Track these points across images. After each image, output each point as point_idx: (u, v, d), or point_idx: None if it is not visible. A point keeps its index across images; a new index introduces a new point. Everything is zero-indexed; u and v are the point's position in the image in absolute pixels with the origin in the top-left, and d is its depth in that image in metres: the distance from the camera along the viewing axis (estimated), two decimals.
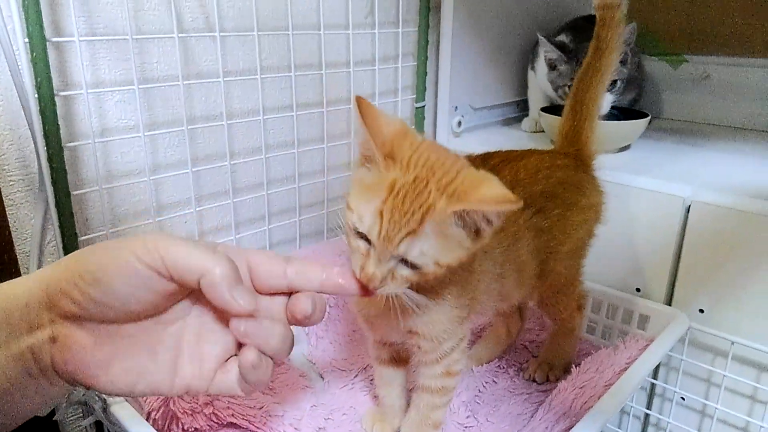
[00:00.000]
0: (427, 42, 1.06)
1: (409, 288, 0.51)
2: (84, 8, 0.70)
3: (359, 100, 0.48)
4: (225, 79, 0.82)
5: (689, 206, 0.85)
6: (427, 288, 0.56)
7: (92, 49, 0.72)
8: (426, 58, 1.07)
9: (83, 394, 0.62)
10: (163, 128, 0.80)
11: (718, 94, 1.28)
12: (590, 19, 1.19)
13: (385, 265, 0.48)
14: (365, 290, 0.47)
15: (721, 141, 1.16)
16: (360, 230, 0.48)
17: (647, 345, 0.80)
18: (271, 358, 0.41)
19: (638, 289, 0.92)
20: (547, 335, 0.88)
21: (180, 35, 0.76)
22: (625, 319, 0.88)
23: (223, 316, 0.42)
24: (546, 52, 1.09)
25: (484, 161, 0.67)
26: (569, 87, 1.07)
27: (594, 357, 0.80)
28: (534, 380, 0.83)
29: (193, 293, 0.42)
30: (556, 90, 1.12)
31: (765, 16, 1.19)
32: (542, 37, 1.08)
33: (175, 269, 0.37)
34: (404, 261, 0.48)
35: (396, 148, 0.48)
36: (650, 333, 0.84)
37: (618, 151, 1.07)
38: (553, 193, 0.69)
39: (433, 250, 0.48)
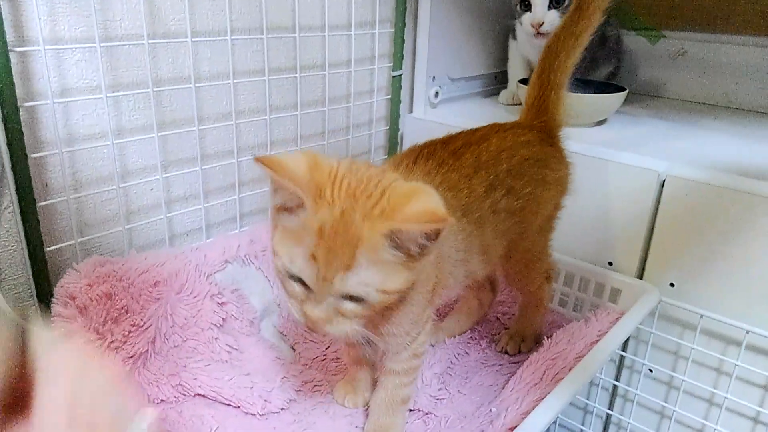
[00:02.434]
0: (405, 8, 1.03)
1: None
2: None
3: (261, 160, 0.47)
4: (193, 39, 0.78)
5: (664, 180, 0.85)
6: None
7: (50, 3, 0.68)
8: (404, 24, 1.04)
9: None
10: (127, 90, 0.76)
11: (694, 71, 1.28)
12: None
13: (327, 305, 0.48)
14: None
15: (697, 117, 1.16)
16: (293, 272, 0.48)
17: (618, 318, 0.81)
18: None
19: (610, 263, 0.92)
20: (517, 307, 0.88)
21: None
22: (597, 292, 0.89)
23: None
24: None
25: (445, 145, 0.66)
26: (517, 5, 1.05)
27: (566, 329, 0.81)
28: (506, 352, 0.84)
29: None
30: (513, 7, 1.10)
31: None
32: None
33: None
34: (348, 297, 0.48)
35: (318, 184, 0.47)
36: (621, 306, 0.85)
37: (594, 125, 1.06)
38: (519, 171, 0.68)
39: (373, 279, 0.47)
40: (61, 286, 0.68)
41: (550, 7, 1.03)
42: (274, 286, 0.85)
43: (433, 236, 0.46)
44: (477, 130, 0.70)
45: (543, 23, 1.03)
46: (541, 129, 0.73)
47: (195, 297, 0.75)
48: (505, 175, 0.66)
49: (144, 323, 0.69)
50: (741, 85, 1.23)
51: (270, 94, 0.90)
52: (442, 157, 0.64)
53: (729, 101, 1.25)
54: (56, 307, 0.66)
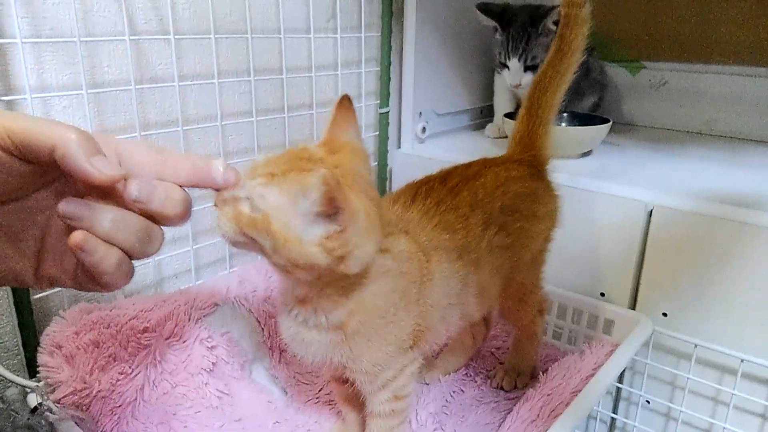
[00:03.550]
0: (390, 47, 1.05)
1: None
2: (28, 9, 0.67)
3: None
4: (180, 83, 0.79)
5: (651, 211, 0.85)
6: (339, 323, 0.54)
7: (37, 52, 0.68)
8: (389, 63, 1.05)
9: (28, 418, 0.59)
10: (115, 135, 0.76)
11: (675, 100, 1.31)
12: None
13: (237, 193, 0.46)
14: (226, 180, 0.45)
15: (680, 146, 1.18)
16: None
17: (613, 350, 0.80)
18: (128, 254, 0.39)
19: (603, 294, 0.92)
20: (511, 341, 0.87)
21: (132, 38, 0.73)
22: (591, 323, 0.88)
23: None
24: (481, 20, 1.13)
25: (443, 182, 0.65)
26: (500, 54, 1.11)
27: (561, 363, 0.80)
28: (502, 388, 0.83)
29: (59, 181, 0.40)
30: (495, 57, 1.16)
31: (720, 24, 1.22)
32: (476, 8, 1.12)
33: (23, 144, 0.35)
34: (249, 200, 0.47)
35: None
36: (615, 337, 0.84)
37: (580, 157, 1.07)
38: (512, 207, 0.68)
39: (274, 202, 0.46)
40: (47, 335, 0.67)
41: (526, 70, 1.10)
42: (265, 327, 0.84)
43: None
44: (471, 164, 0.70)
45: (520, 84, 1.11)
46: (530, 163, 0.73)
47: (184, 342, 0.73)
48: (499, 213, 0.66)
49: (132, 371, 0.68)
50: (721, 113, 1.25)
51: (258, 135, 0.91)
52: (440, 195, 0.63)
53: (710, 129, 1.28)
54: (42, 357, 0.65)
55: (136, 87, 0.74)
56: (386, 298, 0.56)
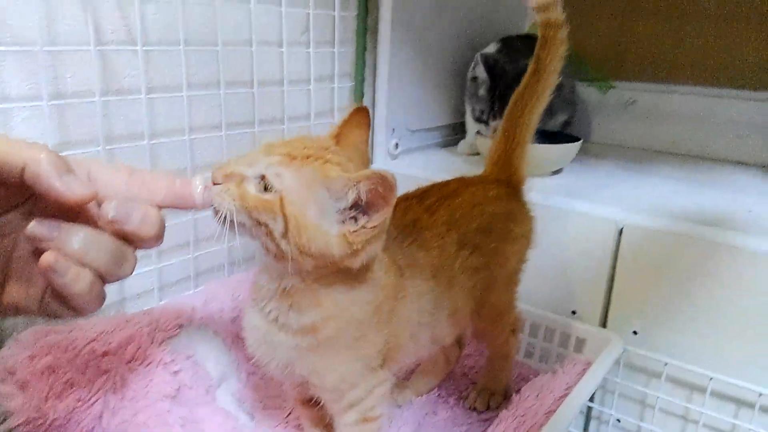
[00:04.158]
0: (364, 63, 1.04)
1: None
2: None
3: None
4: (148, 95, 0.76)
5: (621, 229, 0.86)
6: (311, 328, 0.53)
7: None
8: (363, 78, 1.05)
9: None
10: (78, 148, 0.73)
11: (644, 119, 1.33)
12: (524, 39, 1.22)
13: (244, 170, 0.46)
14: (207, 201, 0.45)
15: (648, 165, 1.20)
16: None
17: (585, 369, 0.80)
18: (101, 277, 0.38)
19: (574, 312, 0.92)
20: (485, 361, 0.86)
21: (98, 47, 0.70)
22: (563, 342, 0.88)
23: None
24: (476, 69, 1.11)
25: (420, 200, 0.65)
26: (483, 113, 1.10)
27: (533, 383, 0.79)
28: (475, 409, 0.81)
29: (27, 203, 0.38)
30: (467, 101, 1.14)
31: (687, 45, 1.25)
32: (478, 56, 1.08)
33: None
34: (262, 179, 0.47)
35: None
36: (587, 356, 0.84)
37: (551, 175, 1.08)
38: (487, 227, 0.67)
39: (291, 185, 0.46)
40: (0, 359, 0.63)
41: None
42: (232, 349, 0.81)
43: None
44: (449, 183, 0.70)
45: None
46: (507, 183, 0.73)
47: (147, 366, 0.70)
48: (474, 233, 0.66)
49: (90, 398, 0.64)
50: (689, 132, 1.28)
51: (227, 149, 0.88)
52: (418, 213, 0.63)
53: (678, 148, 1.30)
54: None
55: (102, 99, 0.71)
56: (363, 309, 0.54)
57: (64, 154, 0.68)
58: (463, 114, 1.27)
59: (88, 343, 0.67)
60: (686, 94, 1.27)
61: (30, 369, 0.62)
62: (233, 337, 0.81)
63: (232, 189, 0.46)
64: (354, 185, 0.46)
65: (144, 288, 0.84)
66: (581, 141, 1.07)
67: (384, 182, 0.45)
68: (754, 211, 0.88)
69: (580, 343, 0.86)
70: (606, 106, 1.38)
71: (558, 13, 0.69)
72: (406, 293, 0.58)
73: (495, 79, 1.07)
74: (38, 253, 0.37)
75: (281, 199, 0.45)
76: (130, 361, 0.69)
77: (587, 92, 1.38)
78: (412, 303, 0.59)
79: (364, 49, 1.03)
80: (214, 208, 0.46)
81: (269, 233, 0.46)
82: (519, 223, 0.72)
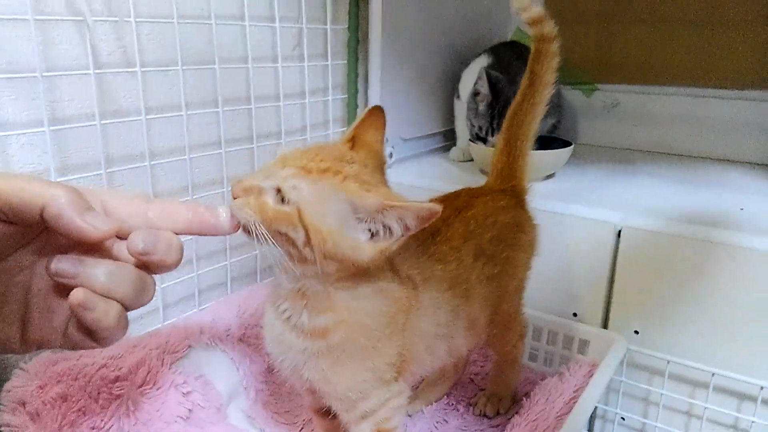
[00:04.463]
0: (357, 74, 1.05)
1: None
2: None
3: None
4: (147, 116, 0.76)
5: (620, 231, 0.88)
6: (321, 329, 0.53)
7: None
8: (356, 90, 1.05)
9: None
10: (78, 173, 0.72)
11: (628, 120, 1.36)
12: (511, 46, 1.24)
13: (260, 181, 0.47)
14: (234, 226, 0.46)
15: (637, 165, 1.22)
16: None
17: (590, 370, 0.81)
18: (124, 306, 0.38)
19: (575, 314, 0.94)
20: (491, 366, 0.87)
21: (97, 71, 0.70)
22: (566, 344, 0.89)
23: None
24: (479, 83, 1.09)
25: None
26: (481, 129, 1.10)
27: (541, 387, 0.80)
28: (485, 415, 0.82)
29: (39, 238, 0.38)
30: (467, 118, 1.13)
31: (668, 48, 1.28)
32: (483, 70, 1.08)
33: (10, 206, 0.33)
34: (278, 191, 0.47)
35: None
36: (591, 357, 0.86)
37: (543, 180, 1.10)
38: (499, 237, 0.69)
39: (309, 197, 0.47)
40: (9, 391, 0.62)
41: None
42: (240, 367, 0.81)
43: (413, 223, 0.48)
44: (458, 194, 0.71)
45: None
46: (512, 193, 0.74)
47: (159, 389, 0.70)
48: (488, 243, 0.67)
49: (104, 425, 0.63)
50: (672, 132, 1.31)
51: (227, 166, 0.88)
52: (437, 225, 0.63)
53: (662, 147, 1.33)
54: (4, 416, 0.60)
55: (101, 122, 0.71)
56: (375, 319, 0.55)
57: (65, 179, 0.68)
58: (452, 121, 1.28)
59: (99, 369, 0.66)
60: (669, 95, 1.30)
61: (41, 399, 0.61)
62: (241, 354, 0.81)
63: (252, 202, 0.47)
64: (397, 214, 0.47)
65: (147, 308, 0.84)
66: (572, 146, 1.08)
67: (434, 214, 0.47)
68: (746, 209, 0.91)
69: (584, 345, 0.88)
70: (591, 108, 1.40)
71: (550, 27, 0.70)
72: (421, 306, 0.59)
73: (497, 96, 1.07)
74: (59, 287, 0.38)
75: (299, 211, 0.46)
76: (141, 385, 0.69)
77: (572, 95, 1.41)
78: (428, 316, 0.60)
79: (357, 60, 1.04)
80: (243, 225, 0.46)
81: (292, 242, 0.47)
82: (526, 232, 0.74)
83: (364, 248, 0.49)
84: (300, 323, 0.54)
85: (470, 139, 1.14)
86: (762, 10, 1.17)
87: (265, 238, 0.47)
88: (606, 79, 1.37)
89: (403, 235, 0.49)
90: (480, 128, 1.09)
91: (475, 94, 1.10)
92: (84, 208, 0.35)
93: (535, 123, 0.74)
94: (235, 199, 0.47)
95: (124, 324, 0.39)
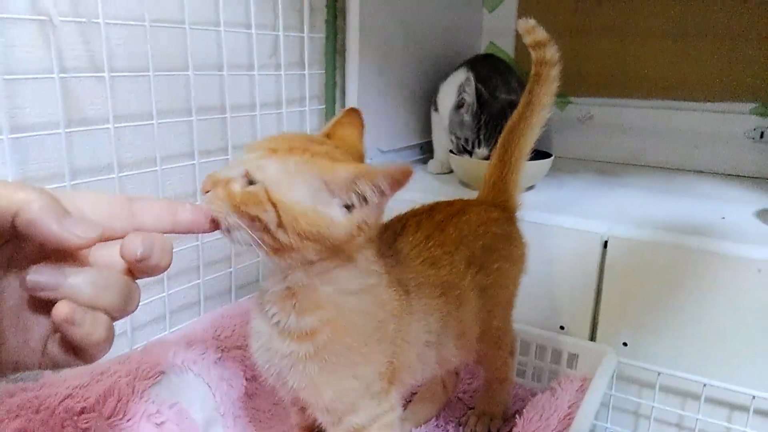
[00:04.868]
0: (335, 84, 1.02)
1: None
2: None
3: None
4: (116, 125, 0.71)
5: (606, 241, 0.87)
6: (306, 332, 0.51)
7: None
8: (334, 101, 1.02)
9: None
10: (40, 185, 0.66)
11: (602, 133, 1.37)
12: (488, 59, 1.23)
13: (230, 173, 0.46)
14: (215, 224, 0.44)
15: (614, 177, 1.22)
16: None
17: (582, 385, 0.79)
18: (111, 316, 0.35)
19: (562, 327, 0.92)
20: (480, 384, 0.84)
21: (62, 75, 0.65)
22: (555, 359, 0.87)
23: None
24: (465, 92, 1.07)
25: (430, 216, 0.65)
26: (467, 142, 1.08)
27: (534, 404, 0.77)
28: None
29: (6, 248, 0.34)
30: (450, 132, 1.11)
31: (638, 62, 1.30)
32: (471, 76, 1.06)
33: None
34: (247, 177, 0.46)
35: None
36: (581, 371, 0.84)
37: (524, 191, 1.08)
38: (491, 247, 0.68)
39: (276, 176, 0.46)
40: None
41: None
42: (217, 392, 0.75)
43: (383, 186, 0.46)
44: (452, 202, 0.70)
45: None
46: (503, 208, 0.74)
47: (129, 420, 0.64)
48: (480, 252, 0.66)
49: None
50: (645, 143, 1.32)
51: (200, 179, 0.83)
52: (430, 229, 0.62)
53: (636, 159, 1.34)
54: None
55: (66, 131, 0.65)
56: (364, 319, 0.52)
57: None
58: (430, 133, 1.27)
59: (63, 400, 0.60)
60: (641, 108, 1.32)
61: None
62: (218, 379, 0.76)
63: (220, 192, 0.45)
64: (371, 181, 0.45)
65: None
66: (553, 157, 1.07)
67: (407, 174, 0.44)
68: (727, 218, 0.91)
69: (572, 359, 0.86)
70: (565, 121, 1.41)
71: (552, 52, 0.72)
72: (413, 311, 0.57)
73: (482, 107, 1.05)
74: (35, 302, 0.34)
75: (266, 190, 0.45)
76: (110, 417, 0.63)
77: None
78: (419, 321, 0.58)
79: (335, 70, 1.01)
80: (214, 218, 0.44)
81: (265, 227, 0.45)
82: (516, 246, 0.73)
83: (341, 223, 0.47)
84: (289, 325, 0.51)
85: (451, 151, 1.12)
86: (728, 23, 1.20)
87: (238, 226, 0.45)
88: (579, 92, 1.38)
89: (379, 203, 0.47)
90: (466, 140, 1.07)
91: (459, 105, 1.08)
92: (61, 213, 0.31)
93: (530, 142, 0.75)
94: (205, 194, 0.46)
95: (111, 337, 0.35)
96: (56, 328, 0.33)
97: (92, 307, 0.33)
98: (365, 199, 0.46)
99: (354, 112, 0.57)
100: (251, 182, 0.46)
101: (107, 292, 0.34)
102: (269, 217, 0.45)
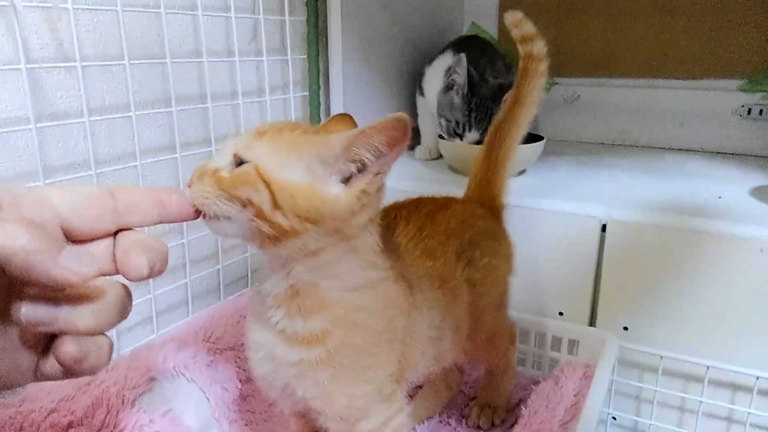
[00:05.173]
0: (318, 70, 0.98)
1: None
2: None
3: None
4: (90, 118, 0.66)
5: (605, 225, 0.85)
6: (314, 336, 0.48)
7: None
8: (319, 87, 0.98)
9: None
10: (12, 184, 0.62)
11: (588, 114, 1.35)
12: (473, 41, 1.20)
13: (218, 160, 0.44)
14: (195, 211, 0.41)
15: (603, 158, 1.20)
16: None
17: (585, 372, 0.78)
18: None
19: (561, 313, 0.90)
20: (482, 374, 0.82)
21: (28, 66, 0.60)
22: (555, 345, 0.85)
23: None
24: (456, 72, 1.03)
25: (417, 208, 0.63)
26: (458, 125, 1.04)
27: (538, 394, 0.76)
28: (479, 427, 0.77)
29: None
30: (439, 115, 1.08)
31: (623, 40, 1.28)
32: (464, 57, 1.02)
33: None
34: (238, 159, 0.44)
35: None
36: (582, 357, 0.82)
37: (516, 176, 1.06)
38: (478, 242, 0.66)
39: (268, 156, 0.43)
40: None
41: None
42: (211, 397, 0.72)
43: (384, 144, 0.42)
44: (434, 198, 0.67)
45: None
46: (489, 206, 0.72)
47: None
48: (468, 245, 0.64)
49: None
50: (632, 123, 1.31)
51: (183, 173, 0.79)
52: (419, 220, 0.60)
53: (623, 139, 1.33)
54: None
55: (37, 126, 0.60)
56: (373, 318, 0.49)
57: None
58: (415, 119, 1.23)
59: (48, 415, 0.57)
60: (628, 87, 1.30)
61: None
62: (211, 382, 0.72)
63: (207, 180, 0.42)
64: (365, 141, 0.42)
65: None
66: (544, 140, 1.05)
67: (402, 124, 0.41)
68: (723, 197, 0.90)
69: (573, 345, 0.84)
70: (551, 102, 1.38)
71: (540, 47, 0.71)
72: (417, 305, 0.54)
73: (471, 89, 1.02)
74: (26, 333, 0.31)
75: (256, 168, 0.42)
76: (100, 430, 0.59)
77: None
78: (422, 316, 0.55)
79: (318, 55, 0.97)
80: (204, 211, 0.41)
81: (259, 212, 0.42)
82: (504, 244, 0.72)
83: (340, 196, 0.44)
84: (295, 330, 0.48)
85: (440, 136, 1.09)
86: (711, 1, 1.18)
87: (227, 214, 0.42)
88: (565, 72, 1.36)
89: (379, 166, 0.43)
90: (457, 123, 1.03)
91: (449, 87, 1.04)
92: (56, 249, 0.28)
93: (518, 140, 0.73)
94: (190, 187, 0.42)
95: (112, 351, 0.33)
96: (56, 357, 0.30)
97: (96, 333, 0.30)
98: (363, 165, 0.43)
99: (346, 116, 0.54)
100: (239, 164, 0.43)
101: (108, 314, 0.30)
102: (262, 198, 0.41)
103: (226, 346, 0.76)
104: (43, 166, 0.63)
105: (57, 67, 0.64)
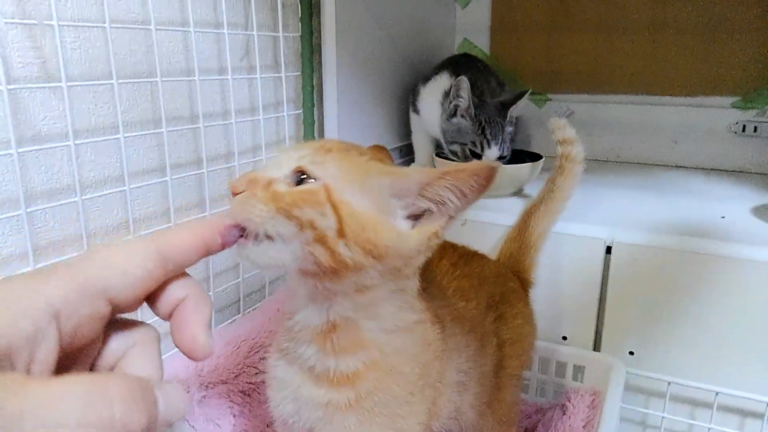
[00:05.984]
0: (312, 87, 0.95)
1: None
2: None
3: None
4: (76, 141, 0.62)
5: (609, 247, 0.83)
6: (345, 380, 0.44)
7: None
8: (312, 104, 0.95)
9: None
10: None
11: (582, 130, 1.33)
12: (466, 60, 1.18)
13: (274, 173, 0.40)
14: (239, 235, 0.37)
15: (600, 175, 1.19)
16: None
17: (593, 400, 0.75)
18: None
19: (564, 338, 0.88)
20: None
21: (10, 87, 0.56)
22: (559, 372, 0.83)
23: None
24: (459, 97, 1.01)
25: (453, 246, 0.61)
26: (475, 145, 1.02)
27: (546, 424, 0.73)
28: None
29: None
30: (449, 143, 1.05)
31: (616, 56, 1.27)
32: (465, 79, 1.00)
33: None
34: (299, 172, 0.39)
35: None
36: (588, 384, 0.80)
37: (512, 195, 1.04)
38: (510, 300, 0.64)
39: (333, 172, 0.39)
40: None
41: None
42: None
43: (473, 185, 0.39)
44: (467, 247, 0.65)
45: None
46: (518, 279, 0.71)
47: None
48: (500, 299, 0.61)
49: None
50: (626, 140, 1.30)
51: (173, 196, 0.75)
52: (454, 258, 0.58)
53: (618, 156, 1.32)
54: None
55: (18, 150, 0.56)
56: (410, 363, 0.45)
57: None
58: (408, 135, 1.21)
59: None
60: (621, 104, 1.29)
61: None
62: (203, 420, 0.68)
63: (260, 193, 0.37)
64: (455, 180, 0.39)
65: None
66: (543, 159, 1.03)
67: (495, 173, 0.38)
68: (726, 217, 0.89)
69: (578, 371, 0.82)
70: (544, 119, 1.36)
71: (578, 150, 0.77)
72: (447, 348, 0.51)
73: (476, 107, 1.00)
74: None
75: (326, 188, 0.37)
76: None
77: (524, 106, 1.37)
78: (452, 359, 0.51)
79: (312, 72, 0.94)
80: (251, 228, 0.36)
81: (320, 237, 0.37)
82: (532, 318, 0.70)
83: (411, 234, 0.40)
84: (326, 368, 0.44)
85: (437, 155, 1.07)
86: (707, 18, 1.18)
87: (276, 236, 0.37)
88: (558, 89, 1.35)
89: (457, 210, 0.40)
90: (473, 143, 1.01)
91: (452, 114, 1.02)
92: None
93: (551, 226, 0.76)
94: (235, 195, 0.38)
95: None
96: None
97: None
98: (442, 204, 0.40)
99: (382, 148, 0.52)
100: (302, 181, 0.39)
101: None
102: (328, 223, 0.37)
103: (218, 380, 0.72)
104: (25, 192, 0.59)
105: (41, 87, 0.60)
